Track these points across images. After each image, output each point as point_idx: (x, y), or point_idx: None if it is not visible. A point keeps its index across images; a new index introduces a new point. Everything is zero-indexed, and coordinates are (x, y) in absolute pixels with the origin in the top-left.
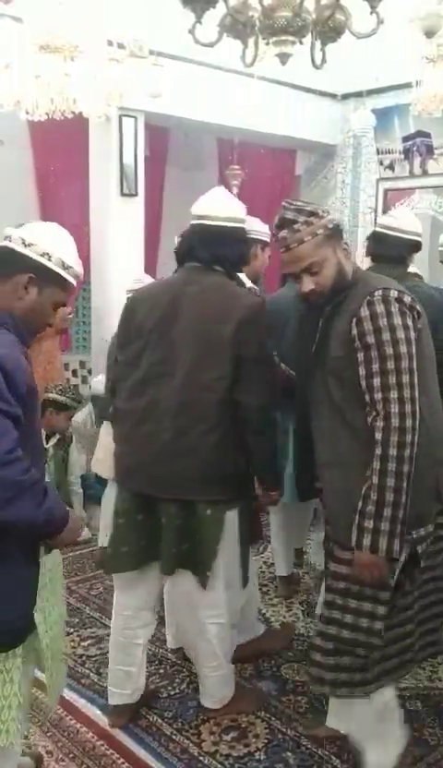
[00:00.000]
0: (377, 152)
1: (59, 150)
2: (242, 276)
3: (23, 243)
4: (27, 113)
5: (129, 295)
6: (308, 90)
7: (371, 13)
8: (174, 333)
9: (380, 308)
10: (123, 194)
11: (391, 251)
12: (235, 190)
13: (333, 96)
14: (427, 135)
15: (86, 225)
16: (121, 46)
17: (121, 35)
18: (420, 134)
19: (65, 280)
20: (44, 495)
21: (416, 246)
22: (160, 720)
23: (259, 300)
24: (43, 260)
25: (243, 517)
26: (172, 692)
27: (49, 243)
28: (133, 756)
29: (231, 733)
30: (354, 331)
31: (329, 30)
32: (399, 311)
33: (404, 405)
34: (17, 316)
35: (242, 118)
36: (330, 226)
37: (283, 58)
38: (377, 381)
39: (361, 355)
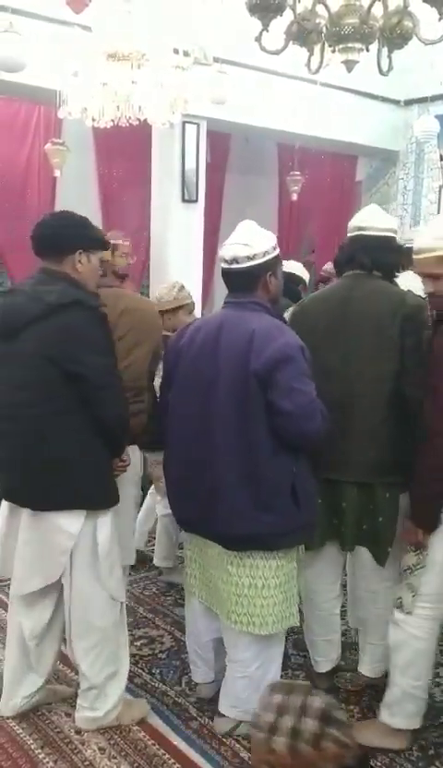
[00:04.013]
0: (441, 158)
1: (122, 157)
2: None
3: (248, 258)
4: (93, 120)
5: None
6: (371, 96)
7: (440, 19)
8: (347, 332)
9: None
10: (184, 200)
11: None
12: (295, 196)
13: (396, 102)
14: None
15: (146, 230)
16: (186, 54)
17: (186, 43)
18: None
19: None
20: None
21: None
22: (212, 723)
23: (421, 301)
24: (268, 257)
25: None
26: None
27: (258, 243)
28: (184, 757)
29: None
30: None
31: (397, 36)
32: None
33: None
34: (271, 305)
35: (303, 124)
36: None
37: (350, 65)
38: None
39: None
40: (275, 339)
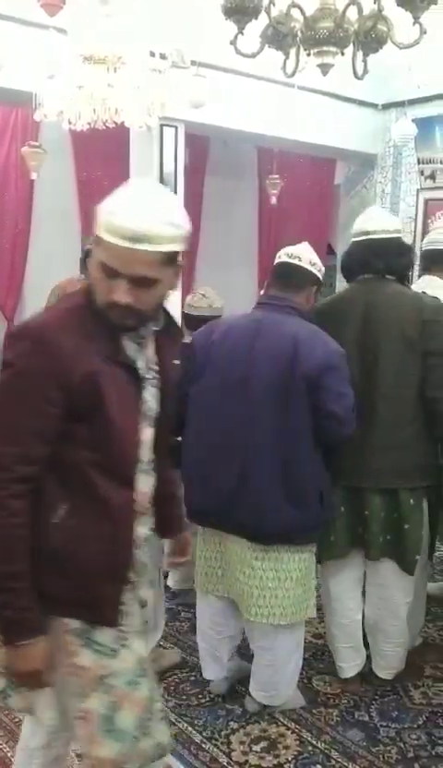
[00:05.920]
0: (418, 162)
1: (100, 160)
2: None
3: (310, 263)
4: (70, 123)
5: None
6: (349, 100)
7: (414, 24)
8: (370, 336)
9: None
10: None
11: None
12: (274, 199)
13: (374, 105)
14: None
15: None
16: (163, 57)
17: (163, 46)
18: None
19: None
20: None
21: None
22: (190, 728)
23: (440, 302)
24: (320, 275)
25: (432, 505)
26: (202, 700)
27: (318, 261)
28: None
29: (261, 743)
30: None
31: (371, 40)
32: None
33: None
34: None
35: (282, 127)
36: None
37: (325, 69)
38: None
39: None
40: (324, 343)
